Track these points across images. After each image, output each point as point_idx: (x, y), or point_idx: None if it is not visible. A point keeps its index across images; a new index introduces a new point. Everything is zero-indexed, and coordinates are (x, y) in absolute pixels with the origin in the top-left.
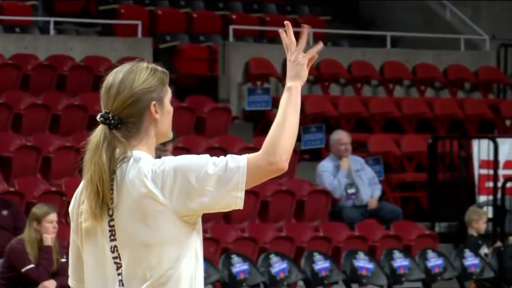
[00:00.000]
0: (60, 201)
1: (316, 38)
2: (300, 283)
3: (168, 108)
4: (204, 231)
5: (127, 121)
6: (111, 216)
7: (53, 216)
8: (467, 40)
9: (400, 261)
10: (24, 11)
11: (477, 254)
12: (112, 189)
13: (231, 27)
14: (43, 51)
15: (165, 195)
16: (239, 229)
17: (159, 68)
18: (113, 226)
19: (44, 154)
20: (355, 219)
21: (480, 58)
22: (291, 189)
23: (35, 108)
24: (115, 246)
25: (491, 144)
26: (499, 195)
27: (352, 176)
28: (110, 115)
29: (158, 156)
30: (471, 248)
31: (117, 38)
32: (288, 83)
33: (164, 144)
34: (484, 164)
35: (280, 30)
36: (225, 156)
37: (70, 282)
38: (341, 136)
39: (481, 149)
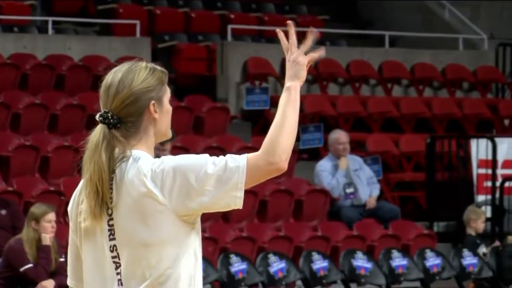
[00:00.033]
0: (59, 200)
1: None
2: (299, 282)
3: (167, 107)
4: (203, 230)
5: (126, 120)
6: (110, 215)
7: (51, 216)
8: (465, 39)
9: (398, 261)
10: (23, 11)
11: (475, 254)
12: (111, 189)
13: (230, 27)
14: (41, 50)
15: (165, 195)
16: (237, 229)
17: (158, 67)
18: (112, 225)
19: (42, 154)
20: (353, 218)
21: (479, 57)
22: (289, 188)
23: (33, 108)
24: (114, 245)
25: (490, 144)
26: (497, 195)
27: (350, 176)
28: (109, 115)
29: (156, 156)
30: (469, 247)
31: (116, 38)
32: (287, 83)
33: (162, 143)
34: (482, 163)
35: (278, 30)
36: (224, 155)
37: (69, 281)
38: (340, 136)
39: (479, 148)
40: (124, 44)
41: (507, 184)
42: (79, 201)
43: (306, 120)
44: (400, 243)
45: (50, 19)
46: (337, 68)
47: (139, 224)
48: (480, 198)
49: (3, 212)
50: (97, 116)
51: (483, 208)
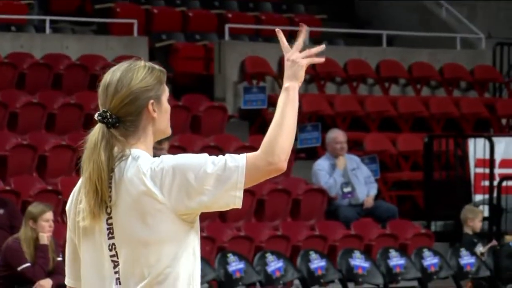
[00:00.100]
0: (56, 199)
1: (312, 36)
2: (296, 282)
3: (166, 106)
4: (200, 230)
5: (125, 119)
6: (109, 214)
7: (49, 215)
8: (463, 39)
9: (396, 260)
10: (20, 10)
11: (473, 253)
12: (110, 187)
13: (227, 26)
14: (39, 49)
15: (164, 194)
16: (235, 228)
17: (157, 66)
18: (111, 224)
19: (40, 153)
20: (351, 218)
21: (476, 57)
22: (287, 188)
23: (31, 107)
24: (113, 244)
25: (487, 143)
26: (495, 194)
27: (348, 175)
28: (108, 114)
29: (154, 155)
30: (466, 246)
31: (113, 37)
32: (286, 83)
33: (160, 142)
34: (480, 163)
35: (277, 30)
36: (222, 155)
37: (67, 280)
38: (337, 135)
39: (477, 148)
40: (121, 43)
41: (504, 183)
42: (77, 200)
43: (303, 119)
44: (397, 242)
45: (48, 18)
46: (335, 67)
47: (138, 223)
48: (478, 197)
49: (1, 211)
50: (96, 116)
51: (480, 207)
